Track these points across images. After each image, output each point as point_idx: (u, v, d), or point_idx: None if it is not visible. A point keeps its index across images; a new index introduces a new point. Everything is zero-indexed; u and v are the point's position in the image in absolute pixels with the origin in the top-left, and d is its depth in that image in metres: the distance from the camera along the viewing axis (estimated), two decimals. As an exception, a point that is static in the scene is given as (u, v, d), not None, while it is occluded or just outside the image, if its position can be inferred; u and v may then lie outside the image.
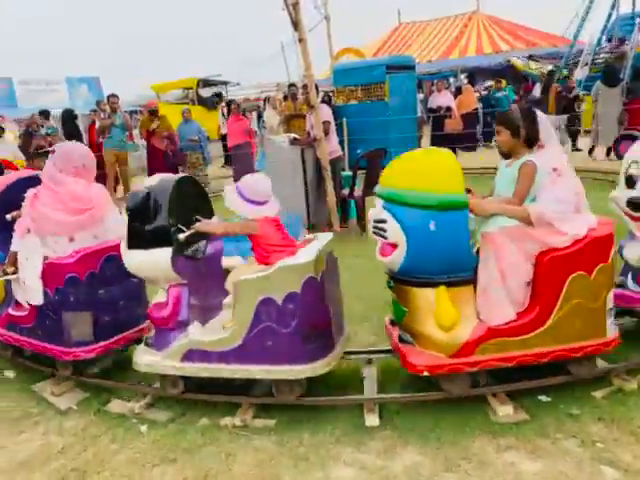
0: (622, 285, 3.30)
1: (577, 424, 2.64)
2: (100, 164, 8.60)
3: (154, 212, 2.98)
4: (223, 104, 16.33)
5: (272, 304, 2.78)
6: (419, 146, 13.21)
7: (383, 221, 2.76)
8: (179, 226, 3.00)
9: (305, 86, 6.67)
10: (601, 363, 3.00)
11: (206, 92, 18.70)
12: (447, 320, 2.73)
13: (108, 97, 9.39)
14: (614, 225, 2.85)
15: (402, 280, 2.86)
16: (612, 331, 2.85)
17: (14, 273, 3.58)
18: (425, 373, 2.77)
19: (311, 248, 2.95)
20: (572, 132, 11.09)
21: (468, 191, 2.81)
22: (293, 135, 7.02)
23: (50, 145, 9.13)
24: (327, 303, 2.93)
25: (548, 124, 2.96)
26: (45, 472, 2.68)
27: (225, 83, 19.61)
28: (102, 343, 3.38)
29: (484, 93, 14.58)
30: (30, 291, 3.43)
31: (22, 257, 3.50)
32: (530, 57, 19.67)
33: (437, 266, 2.74)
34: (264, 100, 12.21)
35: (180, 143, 10.05)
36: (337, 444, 2.68)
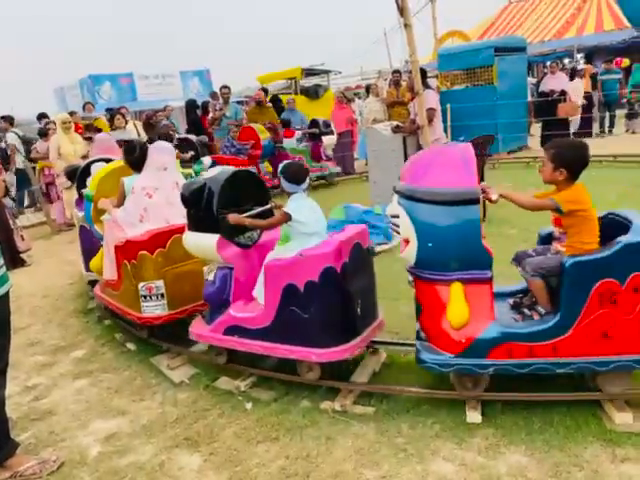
0: None
1: None
2: (213, 152, 9.11)
3: None
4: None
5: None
6: (528, 133, 12.45)
7: None
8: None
9: (411, 72, 6.52)
10: None
11: (307, 82, 18.94)
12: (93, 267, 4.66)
13: (220, 88, 9.83)
14: (155, 235, 3.85)
15: None
16: (148, 312, 3.84)
17: None
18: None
19: None
20: None
21: None
22: (395, 123, 6.92)
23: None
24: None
25: (156, 156, 4.06)
26: (162, 438, 2.92)
27: (327, 72, 19.73)
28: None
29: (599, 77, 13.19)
30: None
31: None
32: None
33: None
34: (365, 88, 12.11)
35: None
36: (437, 438, 2.64)
